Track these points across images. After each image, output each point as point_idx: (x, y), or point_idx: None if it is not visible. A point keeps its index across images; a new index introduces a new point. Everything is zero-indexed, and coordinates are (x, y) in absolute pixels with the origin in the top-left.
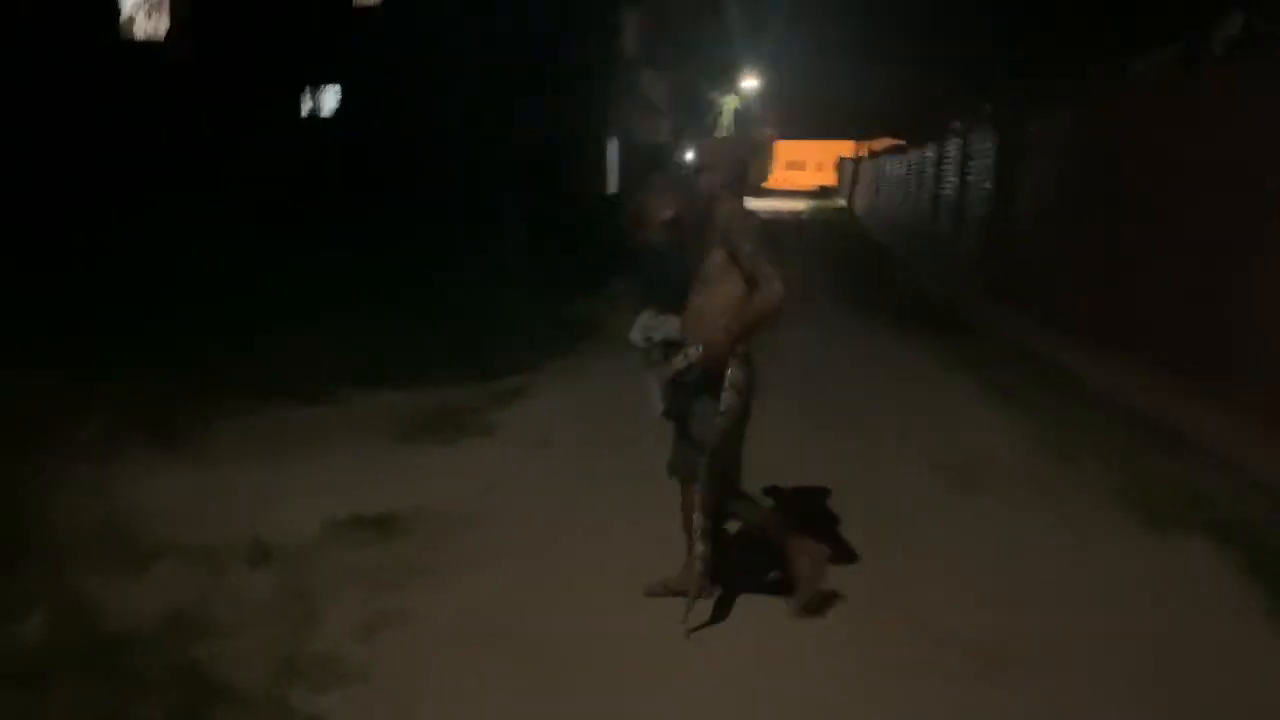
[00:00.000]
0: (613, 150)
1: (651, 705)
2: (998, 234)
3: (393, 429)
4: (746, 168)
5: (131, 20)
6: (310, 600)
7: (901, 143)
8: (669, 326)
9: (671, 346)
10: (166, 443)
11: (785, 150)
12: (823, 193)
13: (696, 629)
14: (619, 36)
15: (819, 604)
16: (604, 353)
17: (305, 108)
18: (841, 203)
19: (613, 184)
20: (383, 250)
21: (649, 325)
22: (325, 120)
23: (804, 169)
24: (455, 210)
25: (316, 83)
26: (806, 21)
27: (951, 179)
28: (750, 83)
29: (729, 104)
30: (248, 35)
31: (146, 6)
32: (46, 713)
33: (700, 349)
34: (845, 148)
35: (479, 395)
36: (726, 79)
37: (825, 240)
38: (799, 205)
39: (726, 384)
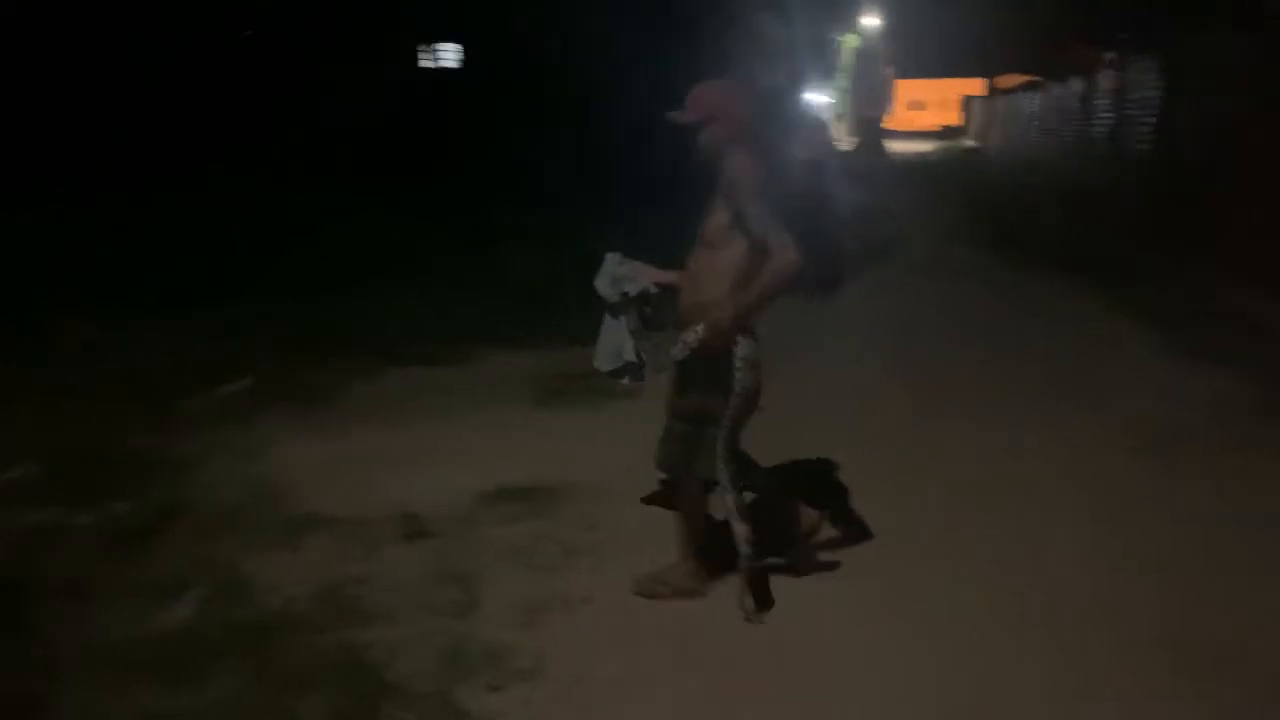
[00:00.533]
0: None
1: (841, 700)
2: (1164, 173)
3: (529, 392)
4: (751, 115)
5: None
6: (469, 583)
7: (1034, 79)
8: (642, 278)
9: (646, 300)
10: (303, 403)
11: (906, 89)
12: (947, 133)
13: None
14: None
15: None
16: None
17: (425, 61)
18: (970, 143)
19: None
20: (504, 204)
21: (619, 275)
22: (446, 72)
23: (926, 109)
24: (569, 162)
25: (434, 39)
26: None
27: (1105, 115)
28: (871, 20)
29: (848, 42)
30: None
31: None
32: (203, 709)
33: (700, 331)
34: (970, 86)
35: None
36: (847, 16)
37: (961, 182)
38: (923, 146)
39: (738, 362)
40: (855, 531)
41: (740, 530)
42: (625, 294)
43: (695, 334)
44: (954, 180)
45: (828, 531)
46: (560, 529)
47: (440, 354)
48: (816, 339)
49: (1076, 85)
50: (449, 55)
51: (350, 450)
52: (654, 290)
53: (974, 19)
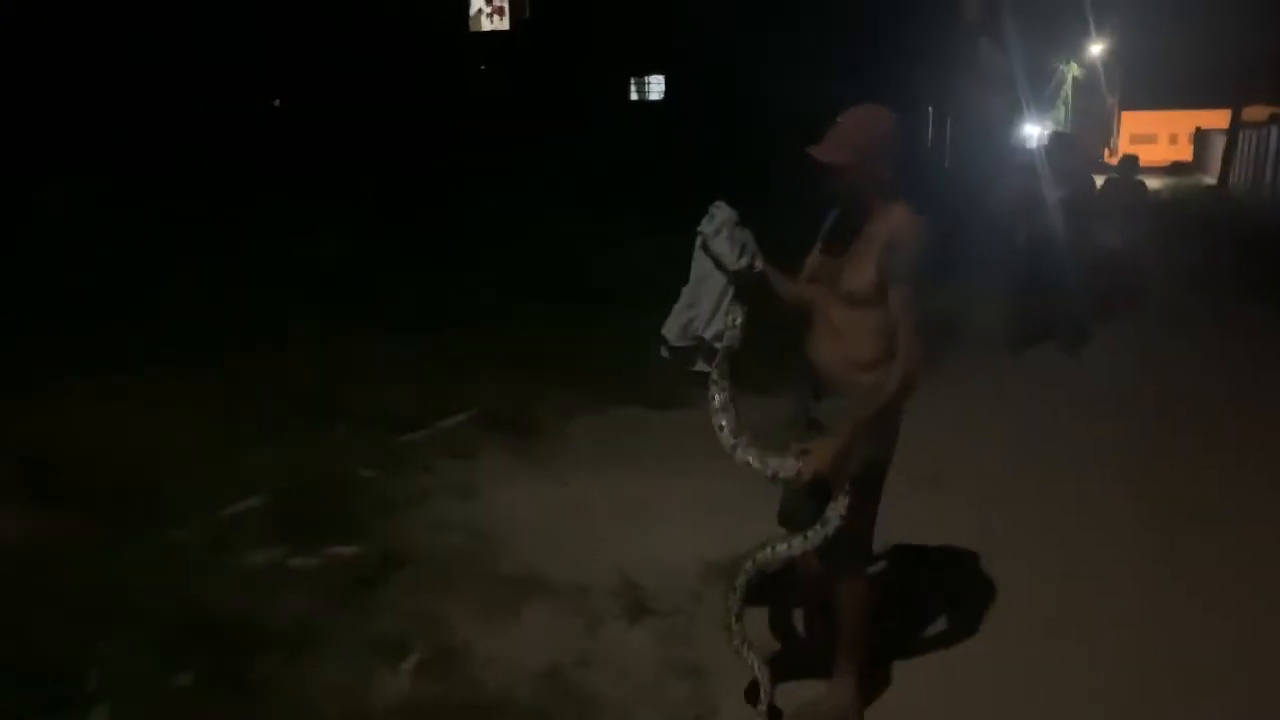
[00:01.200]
0: (947, 128)
1: None
2: None
3: (769, 443)
4: (892, 150)
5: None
6: (702, 679)
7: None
8: (729, 324)
9: (729, 356)
10: (522, 441)
11: (1131, 122)
12: (1176, 169)
13: None
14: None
15: None
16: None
17: (634, 94)
18: (1209, 180)
19: (947, 161)
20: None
21: (742, 238)
22: (652, 103)
23: (1155, 142)
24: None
25: (644, 72)
26: None
27: None
28: (1096, 48)
29: (1070, 72)
30: (583, 27)
31: (490, 8)
32: None
33: (805, 464)
34: (1207, 118)
35: None
36: (1069, 45)
37: (1207, 224)
38: (1151, 184)
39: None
40: None
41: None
42: (750, 265)
43: (798, 466)
44: (1198, 223)
45: None
46: (801, 618)
47: (667, 395)
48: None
49: None
50: (656, 87)
51: (569, 500)
52: (736, 343)
53: (1216, 42)
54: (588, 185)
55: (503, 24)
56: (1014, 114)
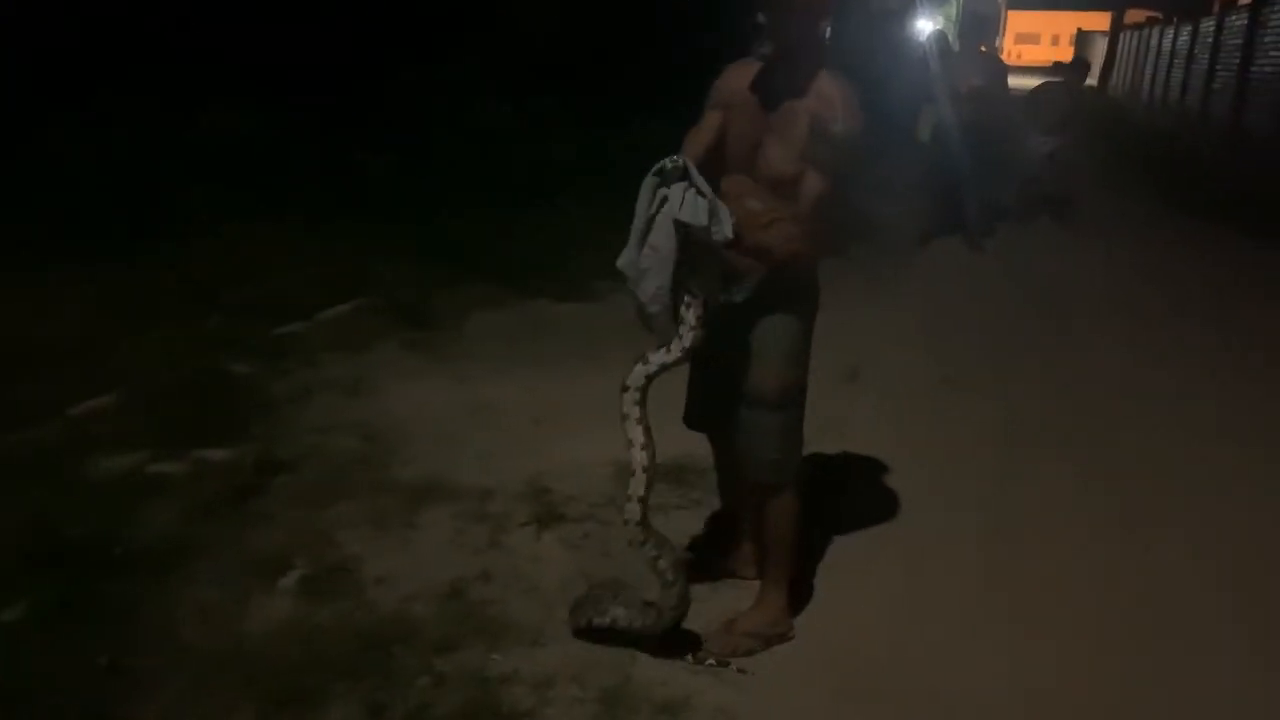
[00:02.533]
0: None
1: None
2: None
3: None
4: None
5: None
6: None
7: (1155, 15)
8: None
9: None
10: (419, 334)
11: (1016, 21)
12: (1058, 69)
13: None
14: None
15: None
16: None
17: None
18: (1089, 82)
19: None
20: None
21: (716, 207)
22: None
23: (1038, 42)
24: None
25: None
26: None
27: (1275, 54)
28: None
29: None
30: None
31: None
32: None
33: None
34: (1087, 19)
35: None
36: None
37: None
38: (1033, 83)
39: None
40: None
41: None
42: (725, 237)
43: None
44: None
45: None
46: (718, 526)
47: (577, 288)
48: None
49: (1239, 19)
50: None
51: (470, 398)
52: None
53: None
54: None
55: None
56: (908, 8)
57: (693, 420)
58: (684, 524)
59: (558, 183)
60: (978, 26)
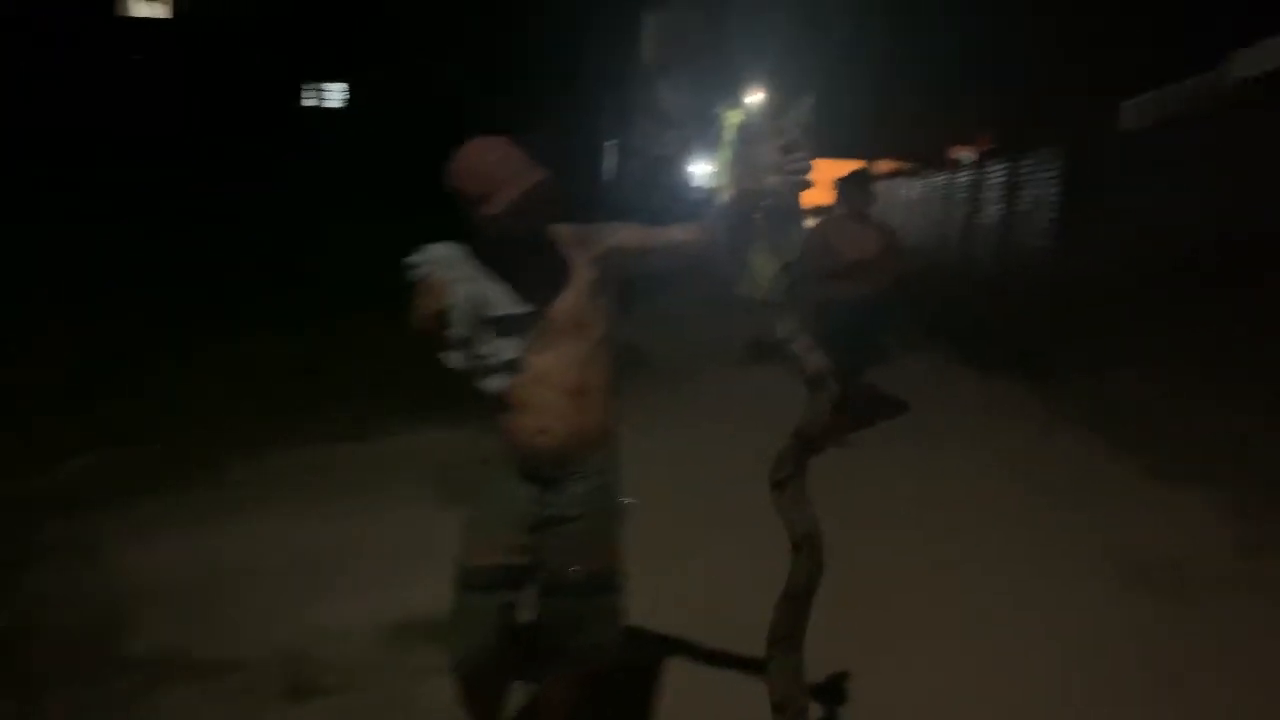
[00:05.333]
0: (610, 159)
1: None
2: (1067, 266)
3: (436, 484)
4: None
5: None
6: None
7: (911, 165)
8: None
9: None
10: (170, 483)
11: None
12: (820, 212)
13: None
14: (637, 43)
15: None
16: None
17: (309, 101)
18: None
19: (619, 186)
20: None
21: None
22: (330, 113)
23: (810, 187)
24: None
25: (322, 77)
26: (819, 37)
27: (995, 206)
28: (756, 97)
29: (732, 118)
30: (254, 22)
31: None
32: None
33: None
34: (845, 167)
35: None
36: (735, 93)
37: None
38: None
39: None
40: None
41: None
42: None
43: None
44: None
45: None
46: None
47: (355, 425)
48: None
49: (966, 174)
50: (337, 93)
51: (223, 555)
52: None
53: (855, 104)
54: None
55: (161, 10)
56: (684, 152)
57: (484, 665)
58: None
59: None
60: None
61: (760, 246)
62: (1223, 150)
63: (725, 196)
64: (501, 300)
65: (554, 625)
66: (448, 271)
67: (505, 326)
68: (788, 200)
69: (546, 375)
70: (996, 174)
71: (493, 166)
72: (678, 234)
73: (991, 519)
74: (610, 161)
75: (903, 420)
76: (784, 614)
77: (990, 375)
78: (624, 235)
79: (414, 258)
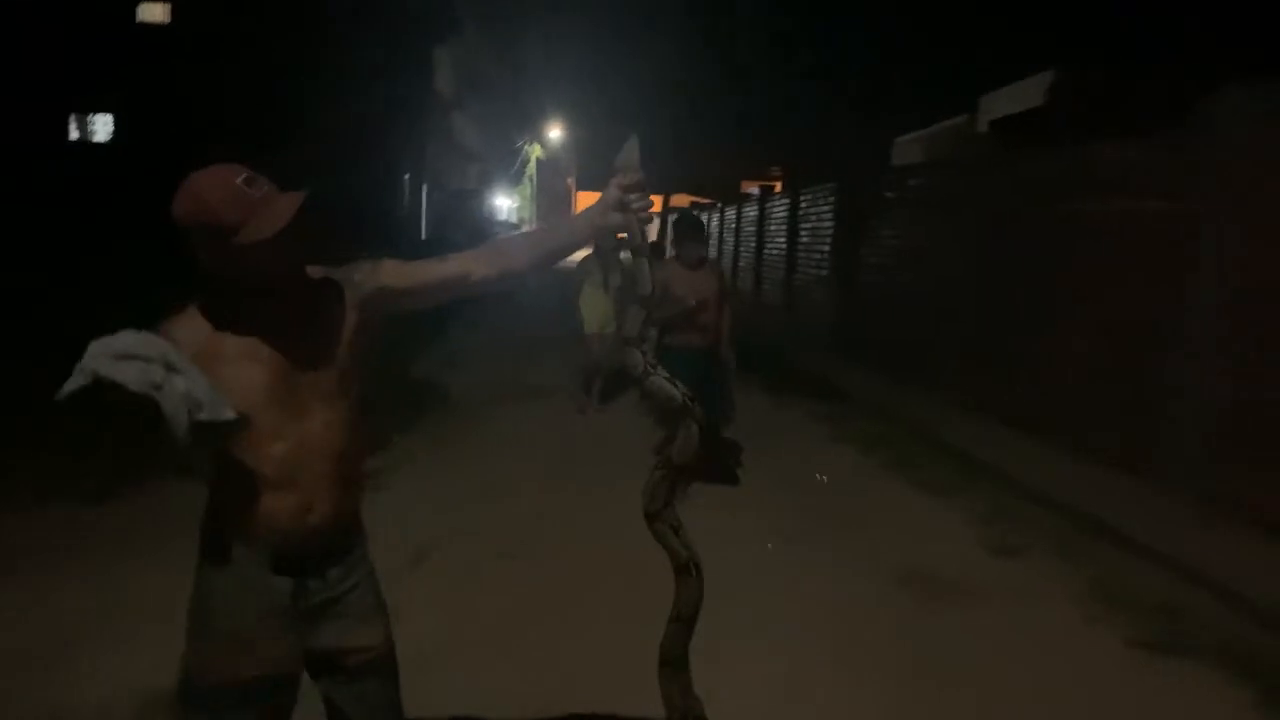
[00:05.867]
0: (424, 195)
1: None
2: (845, 299)
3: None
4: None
5: None
6: None
7: (703, 201)
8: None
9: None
10: None
11: (585, 200)
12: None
13: None
14: (433, 75)
15: None
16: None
17: (74, 133)
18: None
19: (425, 230)
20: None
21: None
22: (99, 146)
23: None
24: None
25: (90, 107)
26: (614, 73)
27: (779, 239)
28: (555, 133)
29: (533, 152)
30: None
31: None
32: None
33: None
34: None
35: None
36: (534, 128)
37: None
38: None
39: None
40: None
41: None
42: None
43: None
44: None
45: None
46: None
47: (107, 488)
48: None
49: (751, 209)
50: (103, 125)
51: None
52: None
53: (643, 137)
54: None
55: None
56: (484, 186)
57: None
58: None
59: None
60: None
61: (595, 283)
62: (973, 185)
63: (529, 228)
64: (217, 396)
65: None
66: (144, 375)
67: (231, 427)
68: (634, 238)
69: (310, 442)
70: (780, 208)
71: (241, 190)
72: (454, 266)
73: (768, 530)
74: (408, 195)
75: None
76: (675, 635)
77: (782, 399)
78: (391, 273)
79: (92, 367)
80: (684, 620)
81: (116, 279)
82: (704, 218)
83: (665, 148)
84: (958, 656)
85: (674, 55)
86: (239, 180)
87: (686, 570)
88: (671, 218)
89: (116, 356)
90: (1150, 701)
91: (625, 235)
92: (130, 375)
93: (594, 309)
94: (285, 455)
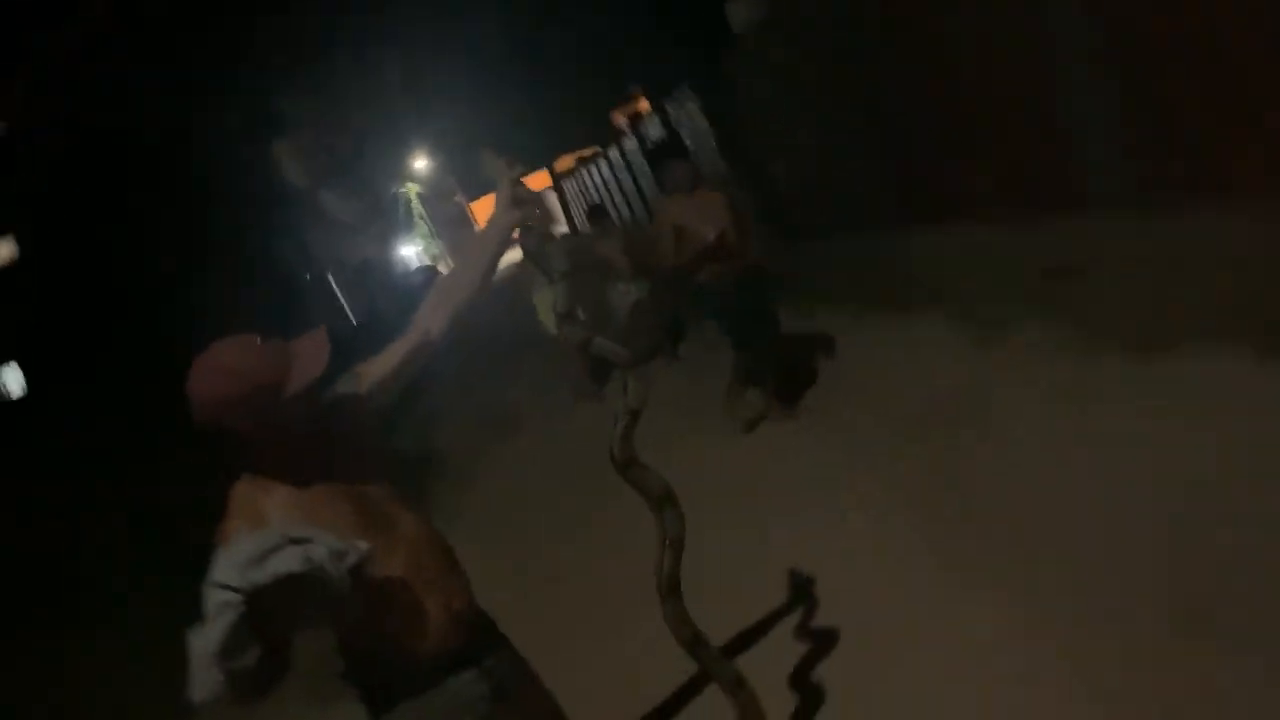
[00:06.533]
0: (334, 283)
1: None
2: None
3: None
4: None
5: None
6: None
7: (587, 154)
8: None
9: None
10: None
11: (482, 209)
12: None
13: None
14: (278, 171)
15: None
16: None
17: None
18: (562, 229)
19: (357, 310)
20: None
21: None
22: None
23: None
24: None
25: None
26: (446, 81)
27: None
28: (421, 163)
29: (411, 192)
30: None
31: None
32: None
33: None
34: (534, 181)
35: None
36: (401, 169)
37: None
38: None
39: None
40: None
41: None
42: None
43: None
44: None
45: None
46: None
47: None
48: None
49: (630, 142)
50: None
51: None
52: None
53: (508, 114)
54: None
55: None
56: (384, 244)
57: None
58: None
59: None
60: None
61: (540, 282)
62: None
63: (442, 268)
64: (340, 540)
65: None
66: (295, 559)
67: (369, 557)
68: (537, 224)
69: (415, 542)
70: (654, 129)
71: (267, 346)
72: (413, 334)
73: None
74: (326, 292)
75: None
76: (670, 561)
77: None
78: (368, 372)
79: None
80: (673, 544)
81: None
82: (595, 170)
83: (523, 121)
84: None
85: (493, 31)
86: (257, 341)
87: (664, 502)
88: (566, 182)
89: (251, 563)
90: None
91: (531, 224)
92: (287, 563)
93: (549, 305)
94: (407, 563)
